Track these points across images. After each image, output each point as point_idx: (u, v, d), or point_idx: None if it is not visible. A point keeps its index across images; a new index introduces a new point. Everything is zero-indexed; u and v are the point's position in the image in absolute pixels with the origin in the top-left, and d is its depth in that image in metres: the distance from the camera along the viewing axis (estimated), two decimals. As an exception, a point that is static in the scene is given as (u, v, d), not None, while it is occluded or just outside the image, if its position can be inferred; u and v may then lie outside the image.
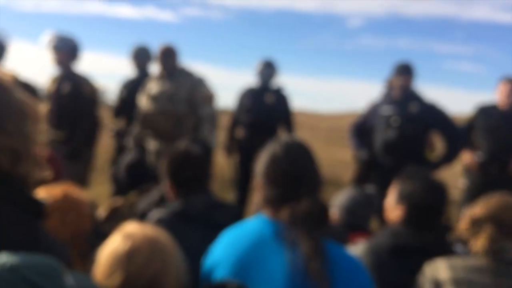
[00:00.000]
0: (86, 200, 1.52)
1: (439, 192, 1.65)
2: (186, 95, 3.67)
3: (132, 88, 4.29)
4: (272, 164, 1.23)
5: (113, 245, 1.08)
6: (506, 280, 1.42)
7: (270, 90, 4.51)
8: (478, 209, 1.51)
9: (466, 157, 3.80)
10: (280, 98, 4.50)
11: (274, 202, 1.21)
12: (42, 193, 1.41)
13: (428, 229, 1.61)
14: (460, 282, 1.42)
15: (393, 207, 1.69)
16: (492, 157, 3.71)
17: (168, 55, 3.75)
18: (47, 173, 1.08)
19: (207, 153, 2.43)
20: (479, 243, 1.45)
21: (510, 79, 3.80)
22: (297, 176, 1.20)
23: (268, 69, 4.52)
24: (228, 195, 4.77)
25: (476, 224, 1.48)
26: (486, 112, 3.86)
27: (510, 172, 3.68)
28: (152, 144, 3.75)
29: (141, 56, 4.45)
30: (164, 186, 1.86)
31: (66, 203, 1.44)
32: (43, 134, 1.08)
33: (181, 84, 3.71)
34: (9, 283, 0.72)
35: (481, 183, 3.70)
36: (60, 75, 3.85)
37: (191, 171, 1.79)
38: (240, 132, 4.53)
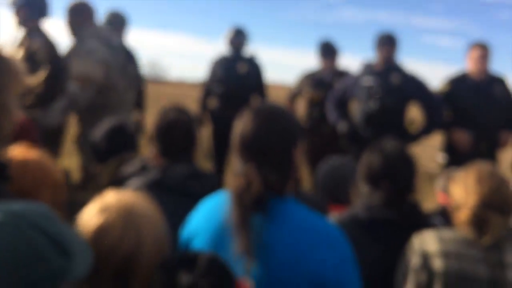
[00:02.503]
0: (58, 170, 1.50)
1: (408, 161, 1.62)
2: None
3: None
4: (240, 136, 1.17)
5: (87, 219, 1.05)
6: (496, 253, 1.40)
7: (243, 59, 4.40)
8: (471, 196, 1.44)
9: (458, 136, 3.59)
10: (253, 67, 4.41)
11: None
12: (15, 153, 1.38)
13: (403, 201, 1.59)
14: (449, 254, 1.40)
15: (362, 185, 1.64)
16: (482, 136, 3.54)
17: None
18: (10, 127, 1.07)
19: (194, 122, 2.37)
20: (489, 234, 1.40)
21: (480, 43, 3.62)
22: (263, 149, 1.15)
23: (239, 37, 4.38)
24: (208, 165, 4.77)
25: (479, 215, 1.42)
26: (459, 86, 3.65)
27: (502, 147, 3.59)
28: None
29: (115, 23, 4.08)
30: (150, 153, 1.84)
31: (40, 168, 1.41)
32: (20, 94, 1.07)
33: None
34: (17, 227, 0.76)
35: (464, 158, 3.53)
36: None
37: (178, 139, 1.77)
38: (213, 103, 4.45)
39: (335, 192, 2.07)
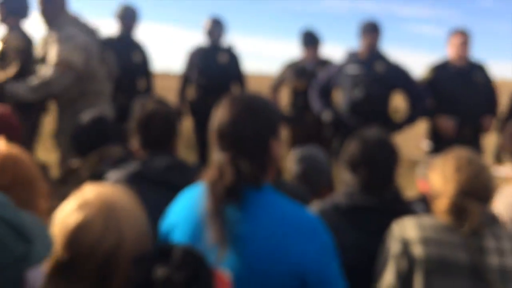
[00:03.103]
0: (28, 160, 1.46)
1: (387, 147, 1.62)
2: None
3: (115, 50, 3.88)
4: (217, 126, 1.16)
5: (65, 216, 1.01)
6: (476, 239, 1.39)
7: (222, 49, 4.38)
8: (449, 185, 1.43)
9: (442, 123, 3.61)
10: (232, 58, 4.40)
11: None
12: None
13: (384, 188, 1.59)
14: (429, 241, 1.39)
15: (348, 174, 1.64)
16: (465, 122, 3.58)
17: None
18: None
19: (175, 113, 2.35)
20: (468, 223, 1.38)
21: (461, 30, 3.66)
22: (239, 139, 1.14)
23: (217, 27, 4.35)
24: (191, 156, 4.77)
25: (458, 204, 1.41)
26: (441, 73, 3.68)
27: (485, 132, 3.63)
28: None
29: (126, 16, 4.10)
30: (132, 145, 1.82)
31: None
32: None
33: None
34: None
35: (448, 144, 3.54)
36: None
37: (158, 131, 1.75)
38: (192, 93, 4.42)
39: (310, 183, 2.08)
